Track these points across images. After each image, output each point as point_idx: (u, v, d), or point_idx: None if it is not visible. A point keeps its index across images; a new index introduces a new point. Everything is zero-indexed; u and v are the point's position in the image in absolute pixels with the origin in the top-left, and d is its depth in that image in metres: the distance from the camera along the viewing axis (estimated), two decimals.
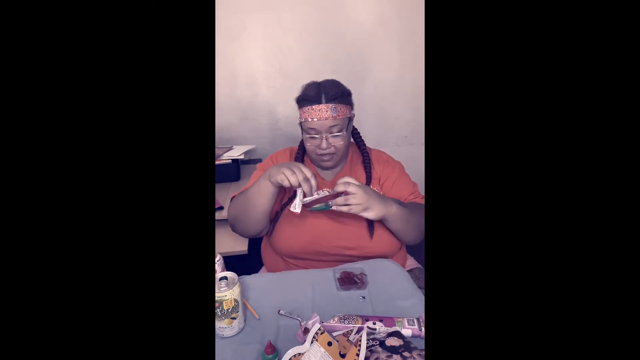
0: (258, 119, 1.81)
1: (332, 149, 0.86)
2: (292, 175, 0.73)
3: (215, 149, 1.61)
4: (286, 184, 0.74)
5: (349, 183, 0.75)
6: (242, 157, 1.53)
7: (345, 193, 0.75)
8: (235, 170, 1.54)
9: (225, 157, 1.52)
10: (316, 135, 0.85)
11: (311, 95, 0.84)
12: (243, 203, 0.85)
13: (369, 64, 1.75)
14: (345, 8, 1.66)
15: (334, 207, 0.76)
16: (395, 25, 1.71)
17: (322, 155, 0.87)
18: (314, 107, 0.83)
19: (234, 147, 1.64)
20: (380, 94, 1.84)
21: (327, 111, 0.83)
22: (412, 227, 0.84)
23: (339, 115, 0.84)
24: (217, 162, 1.49)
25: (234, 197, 0.92)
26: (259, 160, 1.80)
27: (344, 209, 0.75)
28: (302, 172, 0.74)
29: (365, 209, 0.76)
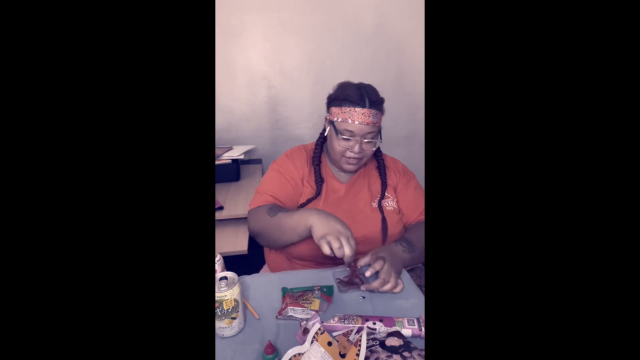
0: (258, 119, 1.81)
1: (362, 154, 0.86)
2: (339, 249, 0.66)
3: (215, 149, 1.61)
4: (328, 252, 0.67)
5: (374, 267, 0.71)
6: (242, 157, 1.53)
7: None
8: (235, 170, 1.54)
9: (225, 157, 1.52)
10: (350, 138, 0.83)
11: (354, 96, 0.82)
12: (274, 231, 0.80)
13: (369, 64, 1.75)
14: (345, 8, 1.66)
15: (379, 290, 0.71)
16: (395, 25, 1.71)
17: (350, 158, 0.86)
18: (357, 109, 0.81)
19: (234, 147, 1.65)
20: (380, 94, 1.84)
21: (369, 116, 0.81)
22: (419, 260, 0.84)
23: (377, 122, 0.84)
24: (217, 162, 1.49)
25: (257, 206, 0.87)
26: (259, 161, 1.81)
27: (386, 287, 0.70)
28: (349, 247, 0.67)
29: (397, 283, 0.71)
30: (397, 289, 0.71)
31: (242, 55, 1.69)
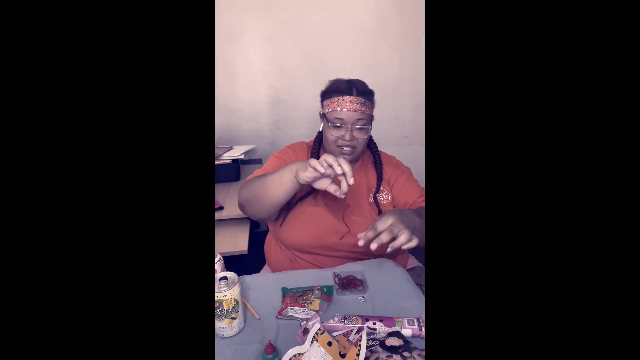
0: (258, 119, 1.81)
1: (354, 142, 0.88)
2: (320, 164, 0.65)
3: (215, 149, 1.61)
4: (321, 169, 0.65)
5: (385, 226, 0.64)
6: (242, 157, 1.54)
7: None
8: (235, 170, 1.54)
9: (225, 157, 1.52)
10: (341, 126, 0.86)
11: (342, 87, 0.87)
12: (259, 189, 0.80)
13: (368, 64, 1.75)
14: (345, 8, 1.66)
15: (389, 249, 0.63)
16: (395, 25, 1.71)
17: (343, 147, 0.88)
18: (344, 98, 0.85)
19: (234, 147, 1.65)
20: (380, 94, 1.84)
21: (357, 103, 0.85)
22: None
23: (366, 110, 0.87)
24: (217, 162, 1.49)
25: (248, 179, 0.88)
26: (259, 161, 1.81)
27: (402, 239, 0.62)
28: (333, 159, 0.64)
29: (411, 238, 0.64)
30: (412, 243, 0.63)
31: (242, 55, 1.69)
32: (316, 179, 0.70)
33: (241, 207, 0.89)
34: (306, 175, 0.69)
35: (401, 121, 1.89)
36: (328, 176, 0.70)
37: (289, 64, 1.71)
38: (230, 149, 1.62)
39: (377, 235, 0.63)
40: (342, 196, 0.69)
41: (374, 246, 0.62)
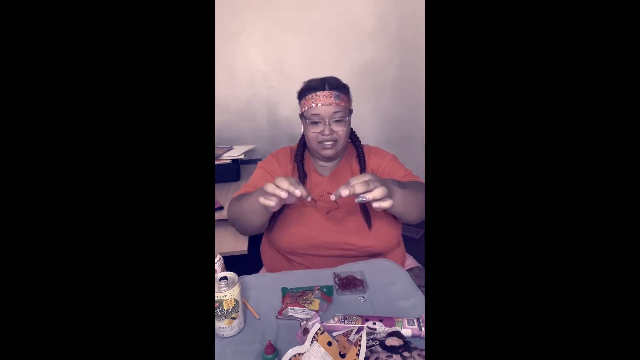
0: (258, 119, 1.81)
1: (334, 136, 0.88)
2: (270, 199, 0.66)
3: (215, 149, 1.61)
4: (268, 203, 0.67)
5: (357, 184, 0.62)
6: (242, 157, 1.54)
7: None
8: (235, 170, 1.54)
9: (225, 157, 1.52)
10: (319, 121, 0.87)
11: (315, 84, 0.88)
12: (240, 214, 0.84)
13: (369, 64, 1.75)
14: (345, 8, 1.66)
15: (375, 205, 0.62)
16: (395, 25, 1.71)
17: (324, 142, 0.88)
18: (318, 93, 0.86)
19: (234, 147, 1.65)
20: (380, 94, 1.85)
21: (330, 97, 0.86)
22: (414, 207, 0.78)
23: (341, 103, 0.87)
24: (217, 162, 1.49)
25: (233, 197, 0.91)
26: (259, 160, 1.81)
27: (376, 193, 0.60)
28: (272, 187, 0.64)
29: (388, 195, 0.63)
30: (386, 204, 0.62)
31: (242, 55, 1.69)
32: (280, 204, 0.70)
33: (232, 224, 0.92)
34: (271, 209, 0.70)
35: (401, 121, 1.89)
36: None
37: (288, 64, 1.72)
38: (230, 149, 1.62)
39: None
40: (309, 199, 0.67)
41: (345, 193, 0.60)
